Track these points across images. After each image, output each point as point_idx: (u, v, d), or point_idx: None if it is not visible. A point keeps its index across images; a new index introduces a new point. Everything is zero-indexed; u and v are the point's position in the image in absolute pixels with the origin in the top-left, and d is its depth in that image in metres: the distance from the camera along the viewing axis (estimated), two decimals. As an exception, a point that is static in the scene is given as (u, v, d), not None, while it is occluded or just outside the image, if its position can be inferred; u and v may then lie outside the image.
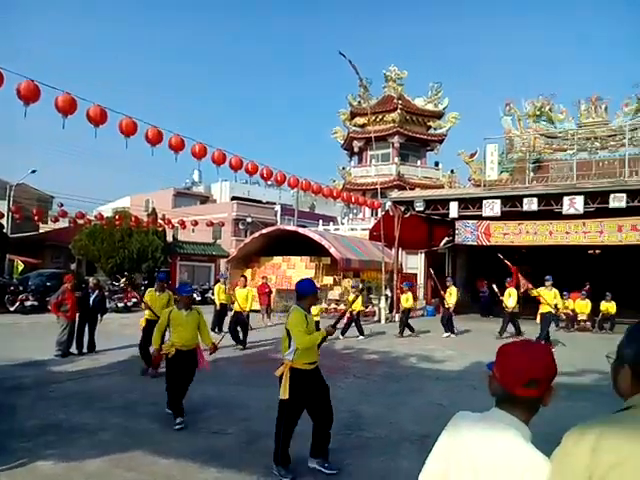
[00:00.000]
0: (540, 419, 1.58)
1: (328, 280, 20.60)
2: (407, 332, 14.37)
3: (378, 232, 19.63)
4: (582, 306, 16.39)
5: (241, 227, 37.26)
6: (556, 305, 12.58)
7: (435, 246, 22.35)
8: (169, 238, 26.41)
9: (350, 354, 11.28)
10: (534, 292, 12.67)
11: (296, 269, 21.61)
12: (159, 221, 24.12)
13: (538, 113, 23.97)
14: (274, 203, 43.82)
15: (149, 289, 9.58)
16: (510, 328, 14.04)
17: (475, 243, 18.81)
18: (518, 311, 14.30)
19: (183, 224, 23.39)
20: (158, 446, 5.14)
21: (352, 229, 29.56)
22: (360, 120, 32.16)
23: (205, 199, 49.86)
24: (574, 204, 16.63)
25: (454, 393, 7.74)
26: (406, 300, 14.44)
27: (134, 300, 19.52)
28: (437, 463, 1.55)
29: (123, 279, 22.23)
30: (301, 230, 22.21)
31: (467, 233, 18.94)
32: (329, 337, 4.72)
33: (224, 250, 29.00)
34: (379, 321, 18.11)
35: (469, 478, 1.44)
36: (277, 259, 22.10)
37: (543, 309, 12.38)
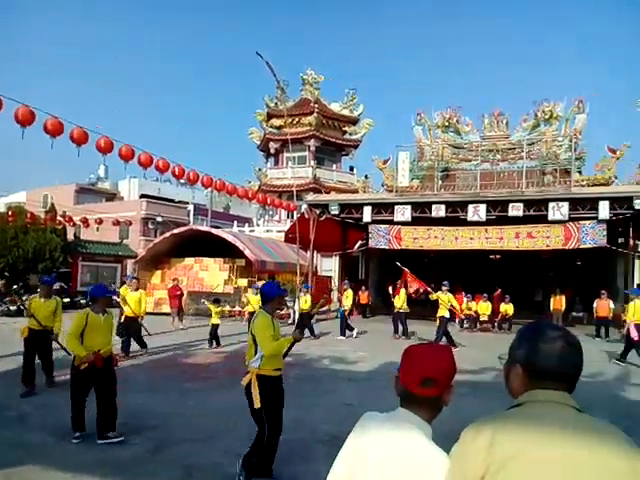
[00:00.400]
0: (444, 415, 1.62)
1: (242, 282, 20.30)
2: (309, 332, 14.48)
3: (293, 234, 19.59)
4: (484, 308, 17.41)
5: (150, 226, 35.75)
6: (452, 307, 13.21)
7: (349, 249, 22.75)
8: (70, 237, 24.66)
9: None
10: (434, 296, 13.25)
11: (209, 270, 21.10)
12: (59, 218, 22.41)
13: (446, 124, 25.25)
14: (187, 202, 42.55)
15: (33, 296, 8.74)
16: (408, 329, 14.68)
17: (387, 247, 19.37)
18: (408, 311, 14.96)
19: (86, 222, 21.88)
20: (55, 459, 4.73)
21: (268, 231, 29.41)
22: (277, 122, 32.14)
23: (112, 196, 47.27)
24: (478, 212, 17.65)
25: (364, 393, 7.87)
26: (305, 302, 14.37)
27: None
28: (344, 465, 1.55)
29: (2, 281, 20.27)
30: (215, 231, 21.72)
31: (379, 237, 19.46)
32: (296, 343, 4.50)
33: (132, 250, 27.60)
34: (293, 323, 18.07)
35: (374, 478, 1.45)
36: (189, 260, 21.44)
37: (440, 312, 13.02)
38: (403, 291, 14.84)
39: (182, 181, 15.95)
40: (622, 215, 16.65)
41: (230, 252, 20.50)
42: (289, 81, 31.98)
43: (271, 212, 33.05)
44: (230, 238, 20.36)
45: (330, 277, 23.79)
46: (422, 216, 18.49)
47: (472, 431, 1.27)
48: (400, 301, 14.71)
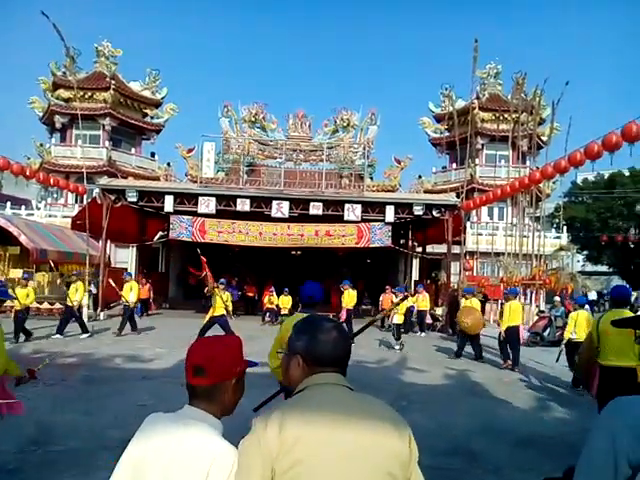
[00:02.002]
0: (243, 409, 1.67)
1: (17, 273, 17.44)
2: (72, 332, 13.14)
3: (83, 221, 17.55)
4: (285, 301, 17.92)
5: None
6: (227, 307, 12.13)
7: (148, 240, 21.27)
8: None
9: (42, 358, 9.60)
10: (215, 292, 12.06)
11: (-30, 259, 17.69)
12: None
13: (253, 119, 25.49)
14: (-58, 177, 35.20)
15: None
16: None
17: (190, 239, 18.57)
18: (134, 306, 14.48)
19: None
20: None
21: (50, 215, 26.06)
22: (65, 93, 28.46)
23: None
24: (281, 208, 18.07)
25: (161, 391, 7.39)
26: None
27: None
28: (124, 472, 1.45)
29: None
30: (-20, 212, 18.30)
31: (182, 229, 18.58)
32: None
33: None
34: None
35: None
36: (-58, 247, 17.68)
37: (217, 312, 11.86)
38: (135, 284, 14.41)
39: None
40: (404, 219, 18.71)
41: (1, 238, 17.48)
42: (81, 50, 28.59)
43: (56, 195, 29.22)
44: (1, 222, 17.35)
45: (125, 269, 21.99)
46: (227, 209, 18.22)
47: (262, 420, 1.32)
48: (134, 295, 14.09)
